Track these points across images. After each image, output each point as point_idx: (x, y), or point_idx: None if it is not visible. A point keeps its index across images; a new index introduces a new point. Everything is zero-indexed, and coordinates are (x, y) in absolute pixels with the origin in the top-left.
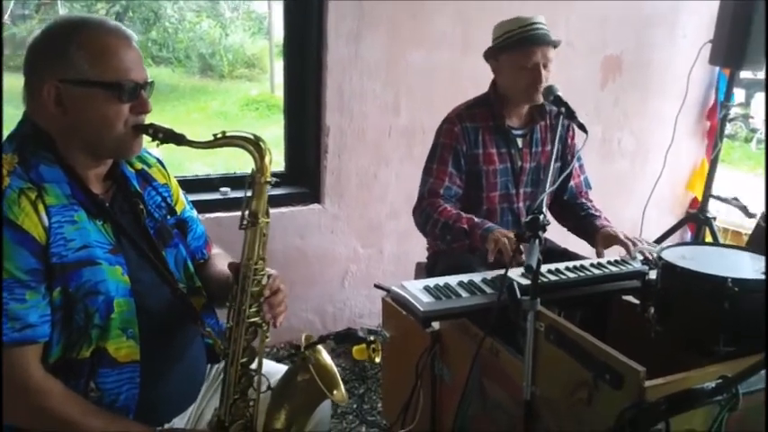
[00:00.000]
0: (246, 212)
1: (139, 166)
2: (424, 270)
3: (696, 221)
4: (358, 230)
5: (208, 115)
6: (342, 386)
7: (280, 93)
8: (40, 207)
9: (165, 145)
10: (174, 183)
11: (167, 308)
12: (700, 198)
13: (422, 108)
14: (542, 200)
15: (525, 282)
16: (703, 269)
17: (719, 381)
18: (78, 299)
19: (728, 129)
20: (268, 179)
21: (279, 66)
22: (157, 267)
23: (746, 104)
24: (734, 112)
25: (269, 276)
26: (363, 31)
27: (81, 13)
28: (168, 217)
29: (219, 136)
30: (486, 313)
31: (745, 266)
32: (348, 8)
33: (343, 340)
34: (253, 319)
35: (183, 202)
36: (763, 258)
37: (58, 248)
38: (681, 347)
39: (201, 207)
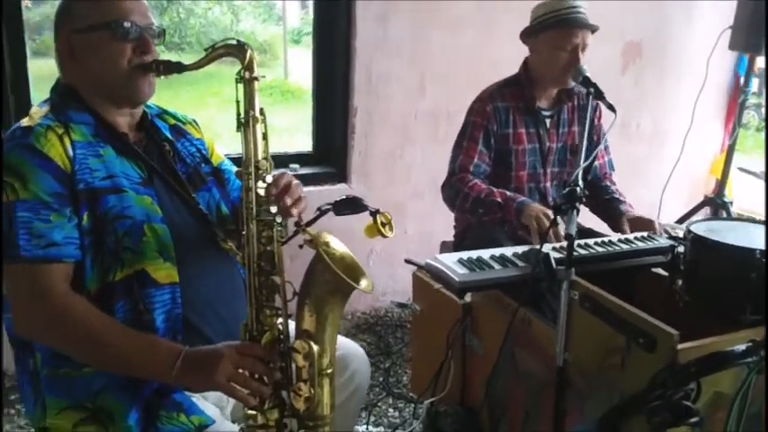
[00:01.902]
0: (241, 113)
1: (173, 121)
2: (450, 248)
3: (714, 205)
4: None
5: (222, 100)
6: (366, 274)
7: (293, 79)
8: (66, 140)
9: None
10: (210, 139)
11: (201, 240)
12: None
13: (446, 91)
14: (578, 173)
15: (557, 255)
16: (732, 241)
17: (749, 344)
18: (107, 222)
19: (743, 118)
20: (255, 75)
21: (291, 52)
22: (189, 204)
23: (760, 94)
24: (748, 101)
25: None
26: (390, 14)
27: None
28: (203, 165)
29: (209, 50)
30: (518, 285)
31: None
32: None
33: (342, 208)
34: (264, 218)
35: (220, 156)
36: None
37: (84, 176)
38: (708, 317)
39: None
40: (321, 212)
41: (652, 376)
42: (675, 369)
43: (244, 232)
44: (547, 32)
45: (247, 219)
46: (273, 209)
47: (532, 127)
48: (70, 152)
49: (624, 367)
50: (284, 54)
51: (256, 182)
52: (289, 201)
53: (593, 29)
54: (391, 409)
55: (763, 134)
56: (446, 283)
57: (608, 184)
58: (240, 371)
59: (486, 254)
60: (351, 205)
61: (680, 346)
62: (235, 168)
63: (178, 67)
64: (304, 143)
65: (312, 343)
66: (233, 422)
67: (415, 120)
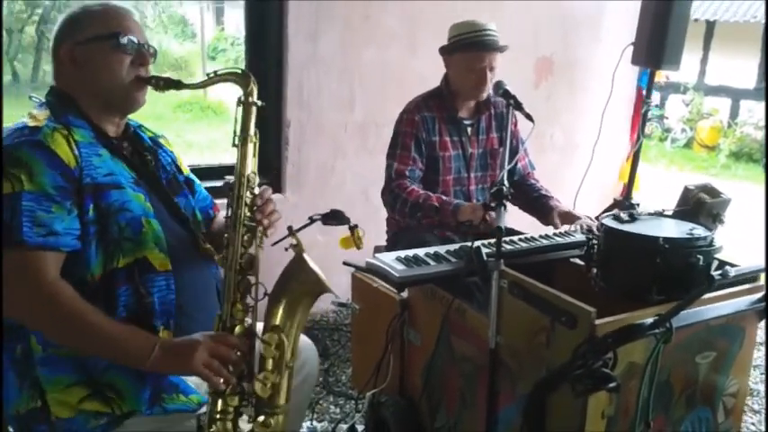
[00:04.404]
0: (241, 132)
1: (150, 134)
2: (383, 252)
3: (622, 207)
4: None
5: (142, 117)
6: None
7: (213, 95)
8: (71, 140)
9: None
10: (178, 153)
11: (183, 240)
12: None
13: (375, 104)
14: (504, 174)
15: (486, 250)
16: (638, 231)
17: (656, 317)
18: (110, 214)
19: (645, 128)
20: (255, 100)
21: (210, 68)
22: (171, 206)
23: (661, 106)
24: (650, 112)
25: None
26: (320, 32)
27: None
28: (177, 174)
29: (212, 75)
30: (451, 279)
31: (672, 229)
32: (305, 8)
33: (330, 219)
34: (248, 224)
35: (186, 169)
36: (686, 223)
37: (90, 171)
38: (620, 300)
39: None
40: (312, 221)
41: (574, 349)
42: (594, 341)
43: (226, 235)
44: (458, 53)
45: (235, 223)
46: (258, 216)
47: (456, 135)
48: (75, 151)
49: (549, 345)
50: (203, 70)
51: (245, 191)
52: (267, 211)
53: (502, 50)
54: (332, 406)
55: (665, 144)
56: (386, 280)
57: (533, 182)
58: (214, 358)
59: (421, 252)
60: (336, 217)
61: (597, 322)
62: (198, 182)
63: (176, 85)
64: (227, 159)
65: (280, 336)
66: None
67: (346, 132)
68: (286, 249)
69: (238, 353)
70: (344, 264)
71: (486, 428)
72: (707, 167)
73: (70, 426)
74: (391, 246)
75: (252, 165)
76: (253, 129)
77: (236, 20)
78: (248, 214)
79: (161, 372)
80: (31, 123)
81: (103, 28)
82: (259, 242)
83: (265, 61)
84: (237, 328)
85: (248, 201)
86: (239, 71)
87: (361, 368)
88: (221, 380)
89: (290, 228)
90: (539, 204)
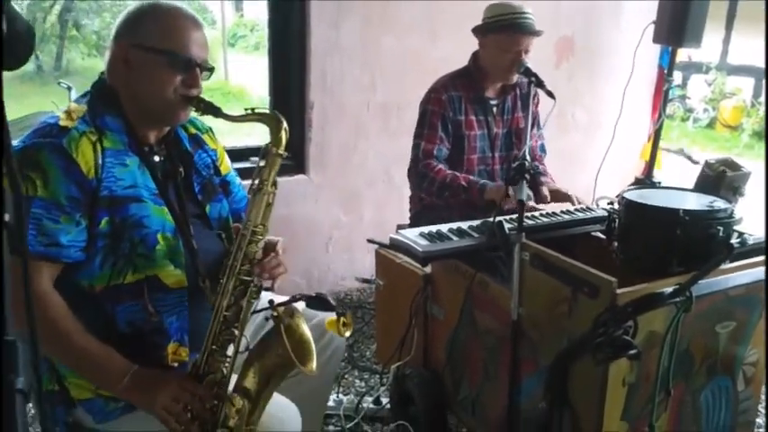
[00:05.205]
0: (257, 179)
1: (193, 131)
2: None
3: (644, 186)
4: (340, 199)
5: None
6: (314, 359)
7: (234, 80)
8: (98, 147)
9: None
10: (221, 149)
11: (208, 247)
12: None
13: (396, 88)
14: (525, 149)
15: (508, 225)
16: (659, 204)
17: (676, 286)
18: (125, 229)
19: (667, 109)
20: (281, 152)
21: (230, 55)
22: (198, 215)
23: (683, 86)
24: (671, 92)
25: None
26: (341, 19)
27: None
28: (214, 176)
29: (249, 112)
30: (474, 253)
31: (692, 201)
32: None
33: (314, 305)
34: (243, 277)
35: (227, 166)
36: (707, 196)
37: (109, 183)
38: (640, 272)
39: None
40: (295, 299)
41: (595, 318)
42: (615, 310)
43: (222, 280)
44: (495, 34)
45: (229, 272)
46: (255, 271)
47: (481, 114)
48: (99, 160)
49: (571, 315)
50: (224, 56)
51: (248, 244)
52: (269, 270)
53: (538, 34)
54: (357, 380)
55: (687, 124)
56: (410, 255)
57: (537, 163)
58: (178, 403)
59: (444, 227)
60: (321, 304)
61: (618, 291)
62: (239, 180)
63: (215, 111)
64: (251, 142)
65: (247, 401)
66: None
67: (368, 112)
68: (267, 319)
69: (204, 404)
70: (368, 241)
71: (509, 399)
72: (730, 147)
73: (91, 406)
74: (414, 224)
75: (262, 216)
76: (273, 179)
77: (255, 6)
78: (246, 267)
79: (131, 401)
80: (63, 122)
81: (163, 41)
82: (251, 297)
83: (289, 47)
84: (210, 377)
85: (249, 252)
86: (274, 115)
87: (385, 343)
88: (181, 426)
89: (270, 301)
90: (531, 183)
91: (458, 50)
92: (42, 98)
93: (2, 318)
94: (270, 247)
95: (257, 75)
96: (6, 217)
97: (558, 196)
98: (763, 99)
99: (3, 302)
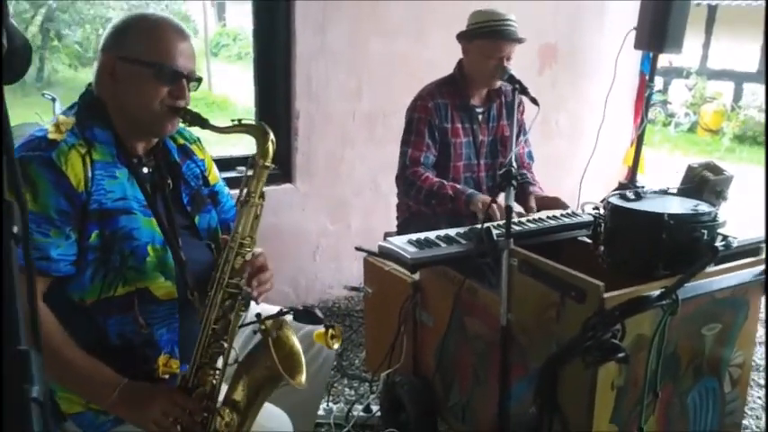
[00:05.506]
0: (244, 191)
1: (182, 141)
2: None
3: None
4: (327, 207)
5: None
6: (304, 371)
7: (217, 90)
8: (87, 160)
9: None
10: (209, 158)
11: (197, 258)
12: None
13: (382, 94)
14: (512, 156)
15: (496, 231)
16: (644, 208)
17: (662, 289)
18: (115, 242)
19: (649, 114)
20: (267, 164)
21: (212, 64)
22: (187, 227)
23: (664, 91)
24: (653, 97)
25: (254, 254)
26: (327, 23)
27: None
28: (203, 187)
29: (236, 123)
30: (462, 260)
31: (677, 206)
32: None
33: (301, 318)
34: (230, 290)
35: (216, 176)
36: (690, 200)
37: (99, 196)
38: (627, 276)
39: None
40: (282, 313)
41: (583, 322)
42: (603, 314)
43: (210, 293)
44: (479, 40)
45: (216, 285)
46: (242, 283)
47: (467, 122)
48: (89, 173)
49: (559, 319)
50: (207, 66)
51: (236, 257)
52: (256, 283)
53: (521, 41)
54: (347, 389)
55: (669, 128)
56: (399, 262)
57: (524, 171)
58: (167, 417)
59: (432, 234)
60: (309, 318)
61: (606, 295)
62: (227, 190)
63: (202, 123)
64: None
65: (236, 414)
66: None
67: (354, 122)
68: (255, 332)
69: (194, 417)
70: (357, 249)
71: (499, 404)
72: (711, 151)
73: (81, 420)
74: (402, 232)
75: (250, 228)
76: (260, 191)
77: (237, 16)
78: (234, 280)
79: (120, 415)
80: (51, 135)
81: (149, 53)
82: (239, 309)
83: (274, 54)
84: (199, 390)
85: (237, 265)
86: (260, 126)
87: (374, 350)
88: None
89: (258, 315)
90: (519, 191)
91: (446, 53)
92: (25, 109)
93: (16, 328)
94: (255, 263)
95: (240, 84)
96: (15, 229)
97: (547, 203)
98: (743, 103)
99: (16, 313)
